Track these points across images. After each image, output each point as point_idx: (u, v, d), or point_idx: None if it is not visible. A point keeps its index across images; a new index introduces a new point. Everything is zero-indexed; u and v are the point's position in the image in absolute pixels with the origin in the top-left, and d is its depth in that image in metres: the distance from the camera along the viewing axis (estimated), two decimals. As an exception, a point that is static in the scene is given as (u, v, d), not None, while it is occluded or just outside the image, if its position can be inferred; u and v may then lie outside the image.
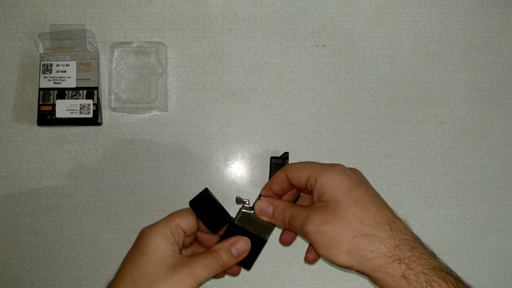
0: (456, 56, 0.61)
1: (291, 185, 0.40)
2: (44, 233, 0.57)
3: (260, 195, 0.42)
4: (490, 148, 0.60)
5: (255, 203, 0.40)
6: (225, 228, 0.41)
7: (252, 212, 0.41)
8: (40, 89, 0.56)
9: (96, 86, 0.56)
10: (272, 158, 0.54)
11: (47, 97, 0.56)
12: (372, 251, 0.32)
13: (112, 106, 0.58)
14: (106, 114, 0.58)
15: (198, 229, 0.40)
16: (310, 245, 0.40)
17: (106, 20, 0.60)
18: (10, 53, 0.59)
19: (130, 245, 0.56)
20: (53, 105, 0.56)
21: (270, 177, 0.54)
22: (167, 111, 0.59)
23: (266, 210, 0.39)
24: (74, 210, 0.57)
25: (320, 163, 0.38)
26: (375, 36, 0.61)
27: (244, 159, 0.59)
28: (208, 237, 0.42)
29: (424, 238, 0.36)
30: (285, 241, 0.43)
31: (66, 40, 0.57)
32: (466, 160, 0.60)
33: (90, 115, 0.56)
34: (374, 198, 0.35)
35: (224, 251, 0.37)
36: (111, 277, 0.56)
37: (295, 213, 0.36)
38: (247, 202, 0.41)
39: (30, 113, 0.58)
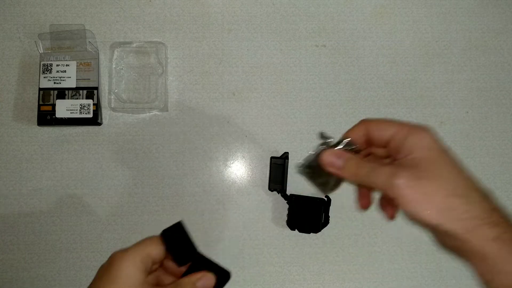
0: (456, 56, 0.61)
1: (365, 143, 0.38)
2: (44, 233, 0.57)
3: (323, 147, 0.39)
4: (490, 148, 0.60)
5: (321, 153, 0.38)
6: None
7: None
8: (40, 89, 0.56)
9: (96, 86, 0.56)
10: (272, 158, 0.55)
11: (47, 97, 0.56)
12: (467, 211, 0.32)
13: (112, 106, 0.58)
14: (106, 114, 0.58)
15: (165, 258, 0.40)
16: (363, 191, 0.40)
17: (106, 20, 0.60)
18: (10, 53, 0.59)
19: (129, 245, 0.57)
20: (53, 105, 0.56)
21: (270, 177, 0.56)
22: (167, 111, 0.59)
23: (335, 161, 0.37)
24: (74, 210, 0.57)
25: (405, 123, 0.36)
26: (375, 36, 0.61)
27: (244, 159, 0.59)
28: (174, 266, 0.41)
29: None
30: (365, 205, 0.41)
31: (66, 40, 0.57)
32: (466, 160, 0.59)
33: (90, 115, 0.56)
34: (462, 165, 0.35)
35: (188, 285, 0.38)
36: (111, 277, 0.56)
37: (375, 167, 0.34)
38: (331, 140, 0.39)
39: (30, 113, 0.58)
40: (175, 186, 0.57)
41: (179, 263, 0.40)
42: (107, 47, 0.59)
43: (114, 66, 0.58)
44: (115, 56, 0.58)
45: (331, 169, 0.37)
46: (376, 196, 0.39)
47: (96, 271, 0.56)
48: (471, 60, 0.61)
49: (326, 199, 0.55)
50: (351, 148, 0.37)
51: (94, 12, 0.60)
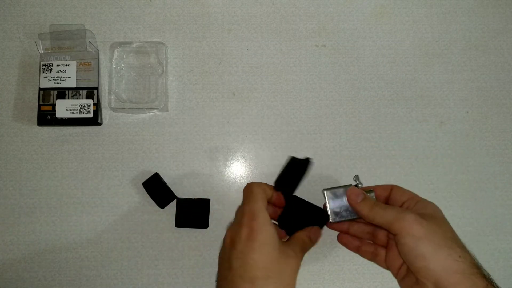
0: (456, 56, 0.61)
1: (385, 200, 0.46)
2: (44, 233, 0.57)
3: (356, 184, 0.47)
4: (490, 148, 0.60)
5: (349, 188, 0.46)
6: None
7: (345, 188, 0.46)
8: (40, 89, 0.56)
9: (96, 86, 0.56)
10: (293, 157, 0.49)
11: (47, 97, 0.56)
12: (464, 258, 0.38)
13: (112, 106, 0.58)
14: (106, 114, 0.58)
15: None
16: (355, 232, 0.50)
17: (106, 20, 0.60)
18: (10, 53, 0.59)
19: (129, 244, 0.57)
20: (53, 105, 0.56)
21: (282, 175, 0.48)
22: (167, 111, 0.59)
23: (357, 196, 0.44)
24: (74, 210, 0.57)
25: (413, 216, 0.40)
26: (375, 36, 0.61)
27: (244, 159, 0.59)
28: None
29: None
30: (350, 244, 0.49)
31: (66, 40, 0.57)
32: (466, 160, 0.60)
33: (90, 115, 0.56)
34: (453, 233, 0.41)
35: (307, 239, 0.45)
36: (111, 277, 0.57)
37: (387, 207, 0.42)
38: (360, 184, 0.47)
39: (30, 113, 0.58)
40: (175, 186, 0.57)
41: (161, 206, 0.55)
42: (107, 47, 0.59)
43: (114, 66, 0.58)
44: (115, 56, 0.58)
45: (351, 201, 0.44)
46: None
47: (96, 271, 0.56)
48: (471, 60, 0.61)
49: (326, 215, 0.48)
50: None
51: (94, 12, 0.60)
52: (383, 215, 0.40)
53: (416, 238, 0.37)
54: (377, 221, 0.41)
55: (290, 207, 0.47)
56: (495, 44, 0.61)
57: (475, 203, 0.59)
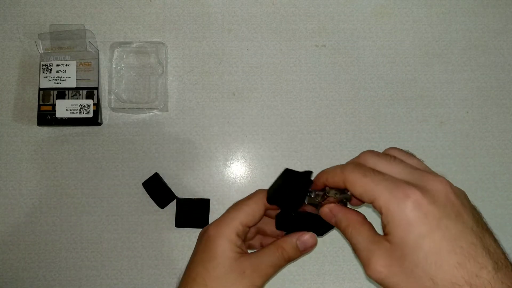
0: (456, 56, 0.61)
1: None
2: (44, 233, 0.57)
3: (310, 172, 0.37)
4: (490, 148, 0.60)
5: (321, 208, 0.35)
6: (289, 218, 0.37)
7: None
8: (40, 89, 0.56)
9: (96, 86, 0.56)
10: (287, 170, 0.38)
11: (47, 97, 0.56)
12: None
13: (112, 106, 0.58)
14: (106, 114, 0.58)
15: (265, 215, 0.38)
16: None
17: (106, 20, 0.60)
18: (10, 53, 0.59)
19: (130, 245, 0.57)
20: (53, 105, 0.56)
21: (277, 187, 0.37)
22: (167, 111, 0.59)
23: (330, 219, 0.34)
24: (74, 210, 0.57)
25: (386, 184, 0.28)
26: (375, 36, 0.61)
27: (244, 159, 0.59)
28: (272, 230, 0.39)
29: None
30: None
31: (66, 40, 0.57)
32: (466, 160, 0.60)
33: (90, 115, 0.56)
34: (454, 245, 0.26)
35: (290, 246, 0.36)
36: (111, 277, 0.57)
37: (358, 242, 0.31)
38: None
39: (30, 113, 0.58)
40: (175, 186, 0.57)
41: (161, 206, 0.51)
42: (107, 47, 0.59)
43: (114, 66, 0.58)
44: (115, 56, 0.58)
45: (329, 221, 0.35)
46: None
47: (96, 271, 0.56)
48: (471, 60, 0.61)
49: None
50: (344, 195, 0.34)
51: (94, 12, 0.60)
52: (356, 251, 0.31)
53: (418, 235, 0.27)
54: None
55: (284, 217, 0.38)
56: (495, 44, 0.61)
57: (475, 203, 0.59)
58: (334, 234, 0.55)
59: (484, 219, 0.29)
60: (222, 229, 0.36)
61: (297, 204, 0.36)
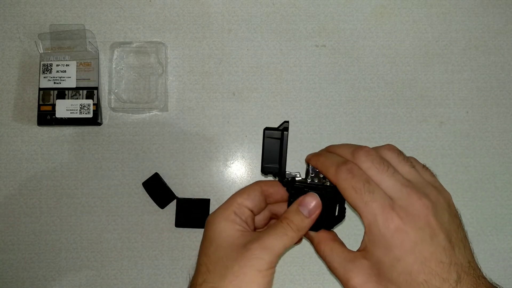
0: (456, 56, 0.61)
1: None
2: (44, 233, 0.57)
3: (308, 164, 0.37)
4: (490, 148, 0.60)
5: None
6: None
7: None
8: (40, 89, 0.56)
9: (96, 86, 0.56)
10: (266, 130, 0.37)
11: (47, 97, 0.56)
12: None
13: (112, 106, 0.58)
14: (106, 114, 0.58)
15: (269, 204, 0.37)
16: None
17: (106, 20, 0.60)
18: (10, 53, 0.59)
19: (130, 245, 0.57)
20: (53, 105, 0.56)
21: (263, 154, 0.38)
22: (167, 111, 0.59)
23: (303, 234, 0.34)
24: (74, 210, 0.57)
25: (378, 203, 0.30)
26: (375, 36, 0.61)
27: (244, 159, 0.59)
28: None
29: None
30: None
31: (66, 40, 0.57)
32: (466, 160, 0.60)
33: (90, 115, 0.56)
34: (424, 266, 0.29)
35: (293, 213, 0.33)
36: (111, 277, 0.57)
37: (333, 260, 0.33)
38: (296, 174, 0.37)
39: (30, 113, 0.58)
40: (175, 186, 0.57)
41: (161, 206, 0.52)
42: (107, 47, 0.59)
43: (114, 66, 0.58)
44: (115, 56, 0.58)
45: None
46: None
47: (96, 271, 0.56)
48: (471, 60, 0.61)
49: None
50: (317, 175, 0.35)
51: (94, 12, 0.60)
52: (336, 272, 0.32)
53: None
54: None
55: (292, 195, 0.36)
56: (495, 44, 0.61)
57: (475, 203, 0.59)
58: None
59: (461, 228, 0.32)
60: (218, 212, 0.34)
61: (280, 162, 0.36)
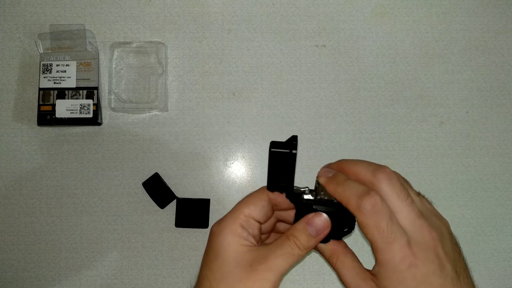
0: (456, 56, 0.61)
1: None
2: (44, 233, 0.57)
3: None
4: (490, 148, 0.60)
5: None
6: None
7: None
8: (40, 89, 0.56)
9: (96, 86, 0.56)
10: (272, 145, 0.35)
11: (47, 97, 0.56)
12: None
13: (112, 106, 0.58)
14: (106, 114, 0.58)
15: (276, 210, 0.36)
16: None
17: (106, 20, 0.60)
18: (10, 53, 0.59)
19: (129, 245, 0.57)
20: (53, 105, 0.56)
21: (269, 170, 0.35)
22: (167, 111, 0.59)
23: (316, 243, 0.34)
24: (74, 210, 0.57)
25: (397, 243, 0.30)
26: (375, 36, 0.61)
27: (244, 159, 0.59)
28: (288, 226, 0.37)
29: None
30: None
31: (66, 40, 0.57)
32: (466, 160, 0.60)
33: (90, 115, 0.56)
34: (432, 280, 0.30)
35: (300, 232, 0.32)
36: (111, 277, 0.57)
37: (344, 274, 0.33)
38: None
39: (30, 113, 0.58)
40: (175, 186, 0.57)
41: (161, 206, 0.52)
42: (107, 47, 0.59)
43: (114, 66, 0.58)
44: (115, 56, 0.58)
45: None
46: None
47: (96, 271, 0.56)
48: (471, 60, 0.61)
49: None
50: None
51: (94, 12, 0.60)
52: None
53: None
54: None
55: (300, 211, 0.35)
56: (495, 44, 0.61)
57: (475, 203, 0.59)
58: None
59: (462, 256, 0.33)
60: (224, 223, 0.33)
61: (288, 180, 0.34)
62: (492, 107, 0.61)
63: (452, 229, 0.34)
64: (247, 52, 0.60)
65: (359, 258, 0.35)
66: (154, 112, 0.58)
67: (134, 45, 0.58)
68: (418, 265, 0.29)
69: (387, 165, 0.35)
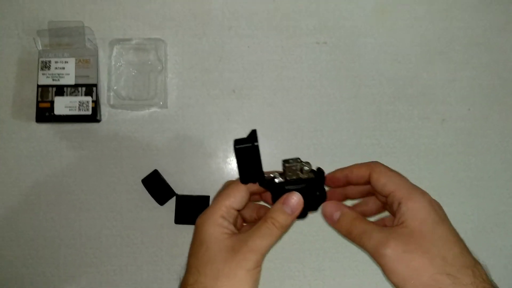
0: (457, 53, 0.61)
1: (366, 183, 0.38)
2: (43, 229, 0.57)
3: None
4: (492, 146, 0.60)
5: (324, 204, 0.38)
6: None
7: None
8: (38, 86, 0.56)
9: (95, 83, 0.56)
10: (236, 143, 0.37)
11: (46, 94, 0.56)
12: None
13: (111, 103, 0.57)
14: (105, 111, 0.58)
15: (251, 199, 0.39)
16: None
17: (105, 17, 0.59)
18: (8, 50, 0.59)
19: (128, 241, 0.57)
20: (52, 102, 0.55)
21: (239, 166, 0.37)
22: (167, 108, 0.58)
23: (333, 214, 0.37)
24: (73, 207, 0.57)
25: (407, 182, 0.35)
26: (376, 33, 0.60)
27: (244, 157, 0.58)
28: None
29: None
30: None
31: (65, 37, 0.56)
32: (467, 157, 0.59)
33: (89, 112, 0.55)
34: (457, 238, 0.33)
35: (277, 212, 0.35)
36: (110, 273, 0.57)
37: (369, 230, 0.34)
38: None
39: (28, 110, 0.58)
40: (175, 183, 0.57)
41: (160, 203, 0.54)
42: (106, 44, 0.58)
43: (113, 63, 0.58)
44: (114, 53, 0.58)
45: (328, 220, 0.38)
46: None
47: (95, 267, 0.57)
48: (473, 57, 0.61)
49: (315, 174, 0.39)
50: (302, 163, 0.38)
51: (93, 9, 0.59)
52: (363, 243, 0.34)
53: (400, 278, 0.32)
54: (359, 244, 0.35)
55: (275, 194, 0.37)
56: (497, 41, 0.61)
57: (476, 201, 0.59)
58: (334, 230, 0.54)
59: None
60: (206, 215, 0.36)
61: (257, 170, 0.37)
62: (494, 104, 0.60)
63: (453, 226, 0.35)
64: (247, 49, 0.60)
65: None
66: (154, 109, 0.58)
67: (134, 42, 0.58)
68: (435, 204, 0.34)
69: (388, 163, 0.38)
